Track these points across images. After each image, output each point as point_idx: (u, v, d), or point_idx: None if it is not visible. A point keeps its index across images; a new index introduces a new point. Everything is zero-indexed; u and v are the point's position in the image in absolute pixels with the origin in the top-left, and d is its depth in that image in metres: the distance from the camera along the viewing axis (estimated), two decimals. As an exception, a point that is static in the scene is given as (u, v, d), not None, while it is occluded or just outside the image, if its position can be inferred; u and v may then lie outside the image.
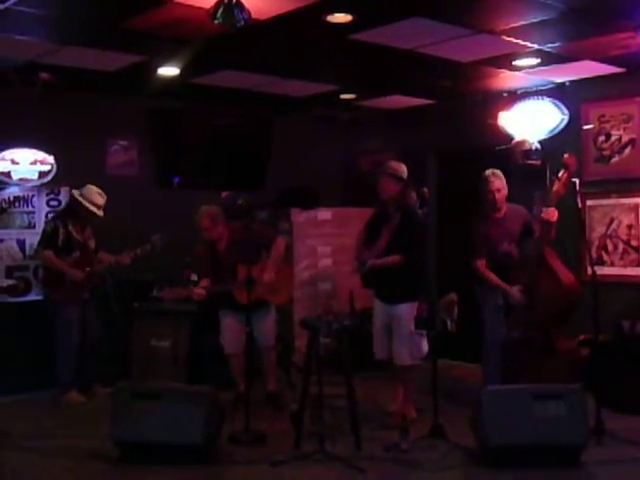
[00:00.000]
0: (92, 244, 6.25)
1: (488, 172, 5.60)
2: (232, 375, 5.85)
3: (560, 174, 5.19)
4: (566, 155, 5.27)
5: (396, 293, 5.33)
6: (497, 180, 5.58)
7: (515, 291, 5.36)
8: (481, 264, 5.58)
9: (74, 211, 6.15)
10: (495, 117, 6.84)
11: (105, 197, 6.16)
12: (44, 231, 6.18)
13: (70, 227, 6.11)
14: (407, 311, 5.32)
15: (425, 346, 5.34)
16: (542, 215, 5.18)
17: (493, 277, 5.52)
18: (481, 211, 5.70)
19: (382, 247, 5.30)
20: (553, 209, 5.15)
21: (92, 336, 6.25)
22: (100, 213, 6.14)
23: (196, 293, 5.59)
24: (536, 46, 5.36)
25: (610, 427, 4.83)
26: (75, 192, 6.17)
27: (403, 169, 5.41)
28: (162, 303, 6.38)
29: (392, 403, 5.55)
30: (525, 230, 5.55)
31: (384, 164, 5.54)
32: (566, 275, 5.27)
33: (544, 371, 5.18)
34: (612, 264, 6.31)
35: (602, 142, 6.41)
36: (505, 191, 5.60)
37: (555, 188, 5.17)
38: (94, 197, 6.09)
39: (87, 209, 6.07)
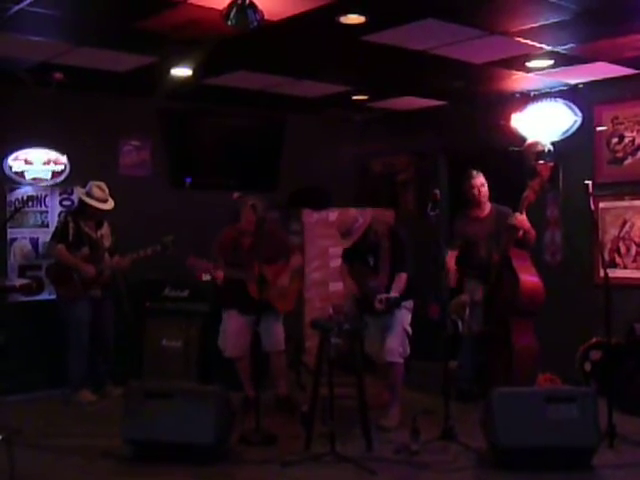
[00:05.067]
0: (107, 242, 6.28)
1: (472, 170, 5.85)
2: (239, 379, 5.82)
3: (532, 181, 5.51)
4: (541, 162, 5.67)
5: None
6: (481, 176, 5.82)
7: (478, 290, 5.70)
8: (450, 254, 5.85)
9: (82, 209, 6.20)
10: (508, 119, 6.82)
11: (106, 189, 6.16)
12: (55, 226, 6.27)
13: (82, 224, 6.14)
14: (404, 309, 5.45)
15: (409, 348, 5.46)
16: (511, 221, 5.50)
17: (448, 267, 5.75)
18: (464, 209, 5.96)
19: (387, 272, 5.36)
20: (522, 216, 5.49)
21: (106, 335, 6.29)
22: (103, 206, 6.13)
23: (217, 274, 5.59)
24: (549, 47, 5.34)
25: (622, 430, 4.81)
26: (80, 191, 6.22)
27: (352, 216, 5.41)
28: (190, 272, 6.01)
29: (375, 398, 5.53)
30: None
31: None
32: (527, 277, 5.52)
33: (500, 364, 5.52)
34: (625, 267, 6.28)
35: (615, 144, 6.38)
36: (487, 188, 5.84)
37: (526, 194, 5.50)
38: (94, 191, 6.11)
39: (90, 205, 6.10)
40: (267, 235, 5.64)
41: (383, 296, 5.20)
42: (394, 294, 5.24)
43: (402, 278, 5.33)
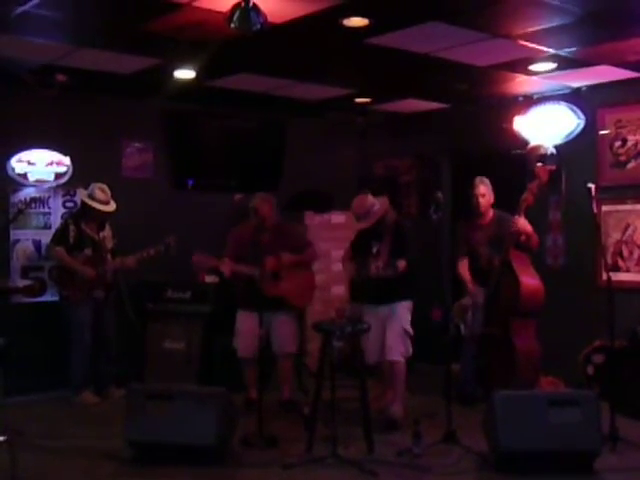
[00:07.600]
0: (109, 244, 6.28)
1: (477, 178, 5.90)
2: (244, 379, 5.82)
3: (531, 184, 5.60)
4: (539, 164, 5.75)
5: (395, 293, 5.46)
6: (482, 186, 5.87)
7: (479, 293, 5.76)
8: (461, 263, 5.95)
9: (84, 211, 6.21)
10: (510, 121, 6.82)
11: (108, 191, 6.17)
12: (56, 229, 6.28)
13: (83, 226, 6.16)
14: (403, 308, 5.47)
15: (411, 348, 5.47)
16: (513, 229, 5.57)
17: (463, 276, 5.92)
18: (469, 216, 6.02)
19: (386, 255, 5.39)
20: (522, 219, 5.57)
21: (108, 337, 6.29)
22: (105, 208, 6.14)
23: (224, 267, 5.55)
24: (553, 51, 5.34)
25: (624, 434, 4.80)
26: (82, 193, 6.24)
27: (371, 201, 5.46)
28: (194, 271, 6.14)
29: (375, 401, 5.53)
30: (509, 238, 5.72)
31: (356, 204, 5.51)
32: (527, 279, 5.61)
33: (502, 366, 5.60)
34: (628, 270, 6.27)
35: (618, 147, 6.37)
36: (489, 198, 5.89)
37: (524, 197, 5.57)
38: (96, 193, 6.12)
39: (91, 207, 6.11)
40: (286, 230, 5.79)
41: (380, 262, 5.26)
42: (400, 264, 5.27)
43: (401, 261, 5.31)
